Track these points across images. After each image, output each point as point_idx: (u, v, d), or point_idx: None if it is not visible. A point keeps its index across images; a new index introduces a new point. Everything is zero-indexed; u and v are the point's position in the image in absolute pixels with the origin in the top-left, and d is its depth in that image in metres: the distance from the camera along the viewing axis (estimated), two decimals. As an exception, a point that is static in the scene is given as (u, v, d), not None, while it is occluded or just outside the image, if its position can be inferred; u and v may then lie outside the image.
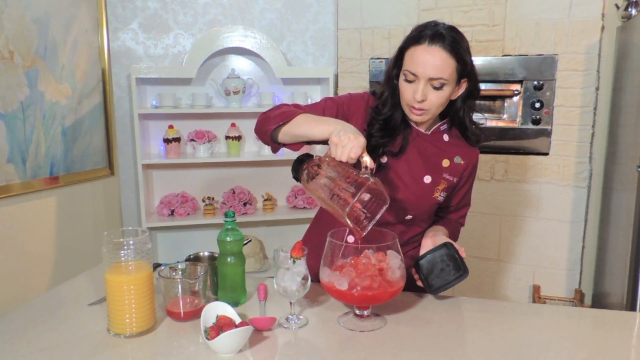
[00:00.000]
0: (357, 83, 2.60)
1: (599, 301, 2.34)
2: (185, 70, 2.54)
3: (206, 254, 1.36)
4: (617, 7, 2.25)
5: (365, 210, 1.09)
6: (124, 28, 2.64)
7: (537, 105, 2.34)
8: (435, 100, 1.17)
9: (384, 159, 1.26)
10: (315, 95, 2.82)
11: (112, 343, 1.02)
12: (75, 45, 2.37)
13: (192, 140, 2.64)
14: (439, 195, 1.28)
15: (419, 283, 1.22)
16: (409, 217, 1.30)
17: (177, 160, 2.61)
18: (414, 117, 1.21)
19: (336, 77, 2.66)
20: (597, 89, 2.28)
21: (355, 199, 1.01)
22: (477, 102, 2.65)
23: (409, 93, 1.18)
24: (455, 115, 1.27)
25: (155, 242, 2.79)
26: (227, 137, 2.68)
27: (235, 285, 1.20)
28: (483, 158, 2.44)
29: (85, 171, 2.47)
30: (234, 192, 2.75)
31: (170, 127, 2.65)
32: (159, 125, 2.71)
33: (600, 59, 2.25)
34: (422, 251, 1.24)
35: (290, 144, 1.22)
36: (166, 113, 2.65)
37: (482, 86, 2.40)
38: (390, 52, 2.53)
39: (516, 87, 2.38)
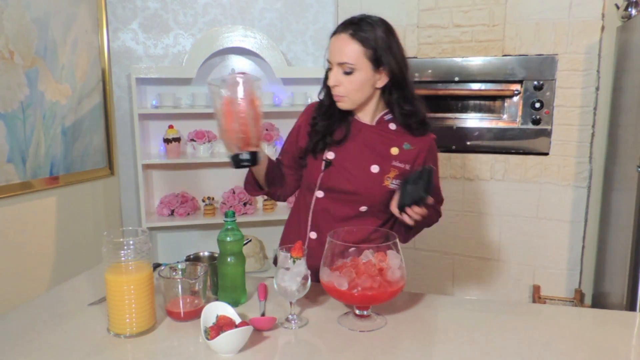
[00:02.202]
0: (357, 83, 2.59)
1: (599, 301, 2.34)
2: (185, 70, 2.54)
3: (206, 254, 1.36)
4: (617, 7, 2.25)
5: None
6: (124, 28, 2.64)
7: (537, 105, 2.34)
8: (348, 85, 1.23)
9: (331, 155, 1.31)
10: (315, 95, 2.81)
11: (112, 343, 1.02)
12: (75, 45, 2.37)
13: (192, 140, 2.64)
14: (391, 183, 1.30)
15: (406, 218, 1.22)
16: (364, 208, 1.32)
17: (177, 160, 2.61)
18: (338, 104, 1.29)
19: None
20: (597, 89, 2.27)
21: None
22: (479, 102, 2.66)
23: (328, 80, 1.27)
24: (387, 104, 1.32)
25: (155, 242, 2.79)
26: (227, 137, 2.68)
27: (235, 285, 1.20)
28: (483, 158, 2.44)
29: (85, 171, 2.47)
30: (234, 192, 2.75)
31: (170, 127, 2.65)
32: (159, 125, 2.70)
33: (600, 59, 2.24)
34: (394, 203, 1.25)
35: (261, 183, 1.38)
36: (166, 113, 2.65)
37: (482, 86, 2.44)
38: (390, 52, 2.53)
39: (516, 87, 2.38)
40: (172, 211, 2.67)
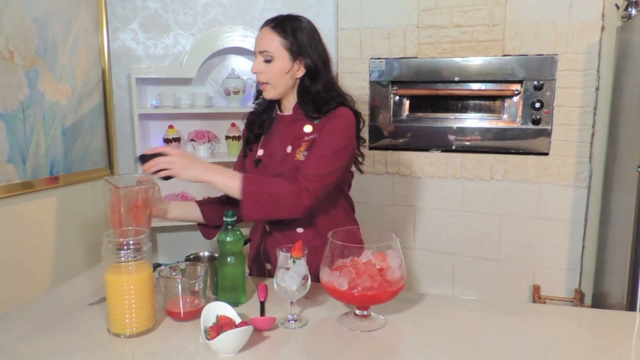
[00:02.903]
0: (357, 83, 2.60)
1: (599, 301, 2.34)
2: (185, 70, 2.54)
3: (206, 254, 1.37)
4: (617, 7, 2.24)
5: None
6: (124, 28, 2.64)
7: (537, 105, 2.34)
8: (269, 72, 1.34)
9: (261, 152, 1.44)
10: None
11: (112, 343, 1.02)
12: (75, 45, 2.37)
13: (192, 140, 2.64)
14: (302, 157, 1.35)
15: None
16: None
17: (177, 160, 2.61)
18: (264, 93, 1.39)
19: (336, 77, 2.66)
20: (597, 89, 2.27)
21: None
22: (479, 102, 2.66)
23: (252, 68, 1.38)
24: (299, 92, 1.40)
25: (155, 242, 2.79)
26: (227, 137, 2.68)
27: (235, 285, 1.21)
28: (483, 158, 2.44)
29: (85, 171, 2.47)
30: (234, 192, 2.75)
31: (170, 127, 2.65)
32: (159, 125, 2.70)
33: (600, 59, 2.24)
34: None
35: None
36: (166, 113, 2.65)
37: (482, 86, 2.44)
38: (391, 52, 2.53)
39: (516, 87, 2.38)
40: (172, 211, 2.67)
